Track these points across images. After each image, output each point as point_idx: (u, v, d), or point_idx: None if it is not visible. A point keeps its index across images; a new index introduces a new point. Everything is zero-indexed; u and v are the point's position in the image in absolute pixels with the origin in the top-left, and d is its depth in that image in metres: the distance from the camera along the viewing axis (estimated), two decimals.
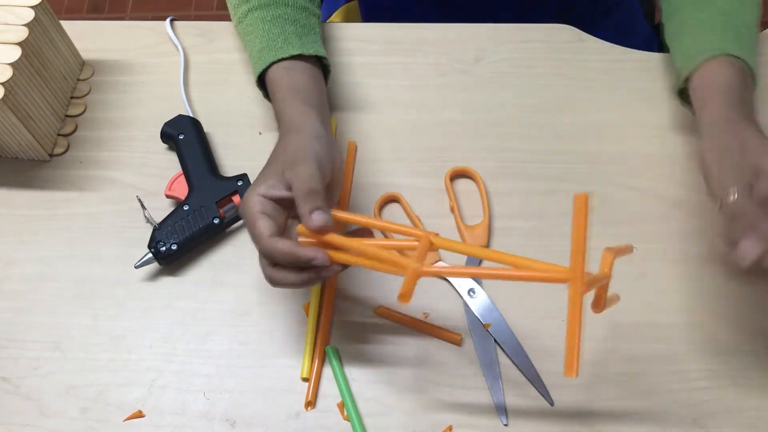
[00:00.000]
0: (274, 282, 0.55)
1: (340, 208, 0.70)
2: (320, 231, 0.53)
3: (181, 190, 0.69)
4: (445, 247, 0.53)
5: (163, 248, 0.66)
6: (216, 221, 0.67)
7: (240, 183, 0.69)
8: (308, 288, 0.66)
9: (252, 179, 0.69)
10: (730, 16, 0.65)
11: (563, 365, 0.47)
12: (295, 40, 0.67)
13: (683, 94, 0.67)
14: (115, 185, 0.73)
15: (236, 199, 0.68)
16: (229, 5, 0.73)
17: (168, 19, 0.82)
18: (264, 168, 0.58)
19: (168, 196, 0.70)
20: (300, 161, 0.56)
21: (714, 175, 0.56)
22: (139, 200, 0.69)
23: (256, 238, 0.54)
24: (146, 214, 0.69)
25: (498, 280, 0.55)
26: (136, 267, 0.66)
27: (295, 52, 0.65)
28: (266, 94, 0.69)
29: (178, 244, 0.66)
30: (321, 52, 0.68)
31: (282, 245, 0.53)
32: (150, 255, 0.66)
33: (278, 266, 0.55)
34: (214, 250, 0.69)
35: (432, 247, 0.52)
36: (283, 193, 0.55)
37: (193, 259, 0.68)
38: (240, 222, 0.70)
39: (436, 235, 0.52)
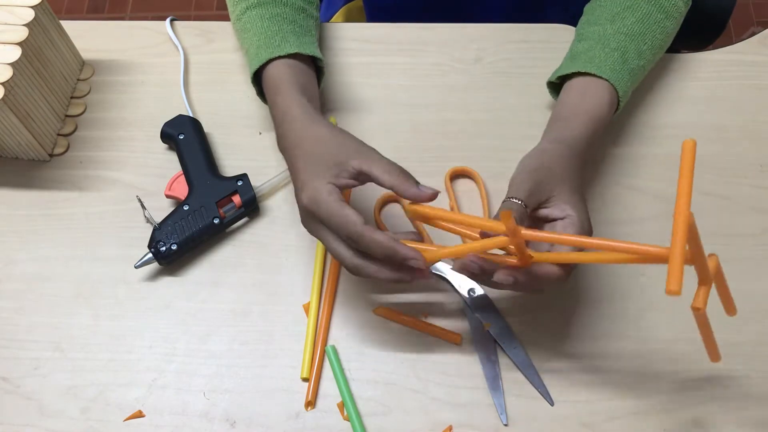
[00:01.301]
0: (362, 272, 0.54)
1: None
2: (432, 198, 0.54)
3: (181, 190, 0.69)
4: (531, 237, 0.52)
5: (163, 248, 0.66)
6: (216, 221, 0.67)
7: (240, 183, 0.69)
8: (309, 290, 0.66)
9: (252, 179, 0.69)
10: (629, 39, 0.68)
11: (707, 355, 0.50)
12: (293, 39, 0.67)
13: (554, 84, 0.71)
14: (115, 185, 0.73)
15: (236, 199, 0.68)
16: (228, 1, 0.73)
17: (168, 19, 0.82)
18: (307, 163, 0.57)
19: (168, 196, 0.70)
20: (364, 147, 0.57)
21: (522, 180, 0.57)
22: (139, 200, 0.69)
23: (347, 226, 0.53)
24: (146, 214, 0.69)
25: (601, 250, 0.52)
26: (136, 267, 0.66)
27: (293, 51, 0.65)
28: (259, 91, 0.69)
29: (178, 244, 0.66)
30: (318, 54, 0.68)
31: (381, 237, 0.52)
32: (150, 255, 0.66)
33: (367, 257, 0.54)
34: (214, 250, 0.69)
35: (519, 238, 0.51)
36: (350, 182, 0.55)
37: (193, 259, 0.68)
38: (241, 222, 0.70)
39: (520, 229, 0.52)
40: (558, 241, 0.53)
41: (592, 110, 0.65)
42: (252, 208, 0.69)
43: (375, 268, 0.54)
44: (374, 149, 0.57)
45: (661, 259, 0.48)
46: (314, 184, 0.55)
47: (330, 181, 0.55)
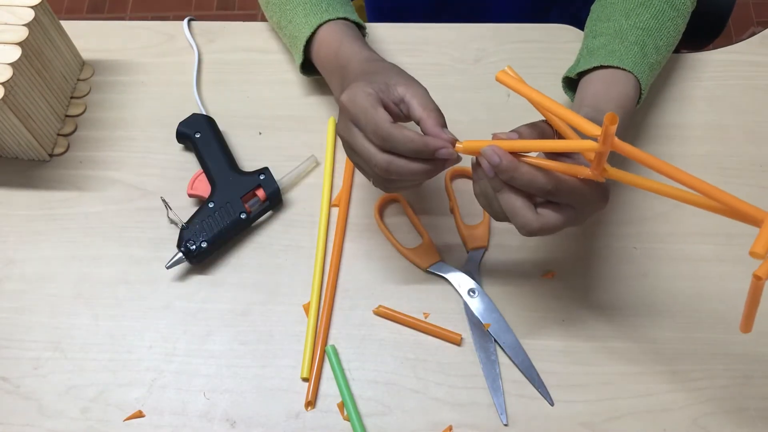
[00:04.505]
0: (392, 167, 0.54)
1: (340, 209, 0.70)
2: (452, 142, 0.54)
3: (204, 189, 0.69)
4: (622, 151, 0.49)
5: (193, 247, 0.65)
6: (243, 216, 0.67)
7: (262, 177, 0.69)
8: (309, 286, 0.66)
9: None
10: (646, 34, 0.68)
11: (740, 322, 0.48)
12: (337, 5, 0.69)
13: (568, 80, 0.70)
14: (115, 185, 0.73)
15: (260, 193, 0.68)
16: None
17: (186, 20, 0.82)
18: (357, 74, 0.58)
19: (191, 195, 0.70)
20: (415, 82, 0.57)
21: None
22: (164, 201, 0.68)
23: (377, 124, 0.53)
24: (170, 215, 0.68)
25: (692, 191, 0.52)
26: (167, 267, 0.66)
27: (342, 15, 0.68)
28: (303, 62, 0.71)
29: (207, 242, 0.66)
30: (362, 22, 0.71)
31: (408, 133, 0.53)
32: (180, 255, 0.65)
33: (394, 156, 0.54)
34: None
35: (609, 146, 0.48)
36: (390, 103, 0.56)
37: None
38: (264, 217, 0.70)
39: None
40: (650, 165, 0.49)
41: (619, 100, 0.64)
42: (276, 201, 0.69)
43: (404, 162, 0.53)
44: (426, 90, 0.57)
45: (754, 221, 0.46)
46: (357, 84, 0.56)
47: (374, 89, 0.55)
